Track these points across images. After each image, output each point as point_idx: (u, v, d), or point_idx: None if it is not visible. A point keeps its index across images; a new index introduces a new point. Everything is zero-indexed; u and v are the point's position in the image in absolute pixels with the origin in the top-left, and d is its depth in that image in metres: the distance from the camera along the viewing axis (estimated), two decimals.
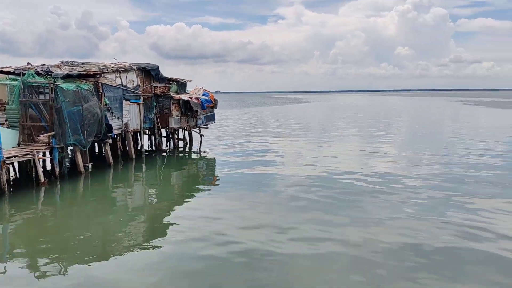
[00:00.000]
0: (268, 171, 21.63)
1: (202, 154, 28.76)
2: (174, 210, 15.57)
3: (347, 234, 12.31)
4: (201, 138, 33.30)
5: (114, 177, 21.17)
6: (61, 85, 19.29)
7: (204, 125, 32.56)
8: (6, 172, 16.62)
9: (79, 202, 17.15)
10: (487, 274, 9.75)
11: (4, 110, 19.01)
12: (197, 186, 19.74)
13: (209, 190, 18.65)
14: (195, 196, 17.64)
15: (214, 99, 33.29)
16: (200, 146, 31.58)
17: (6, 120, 19.00)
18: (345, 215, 14.16)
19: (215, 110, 34.05)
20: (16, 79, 19.74)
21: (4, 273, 10.24)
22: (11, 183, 18.61)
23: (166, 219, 14.43)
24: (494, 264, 10.27)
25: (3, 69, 22.37)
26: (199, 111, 30.13)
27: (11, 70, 21.49)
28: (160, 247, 11.69)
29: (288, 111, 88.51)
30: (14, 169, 21.15)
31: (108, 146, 22.40)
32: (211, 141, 34.35)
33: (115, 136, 24.07)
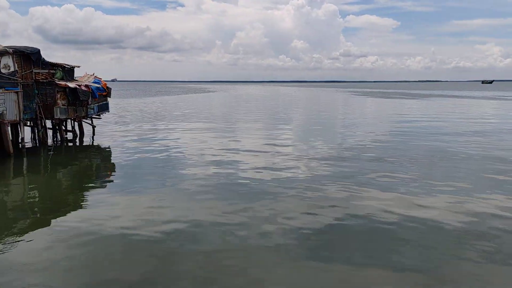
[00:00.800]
0: (168, 163, 20.87)
1: (95, 147, 26.66)
2: (62, 210, 13.90)
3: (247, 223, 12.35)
4: (93, 130, 30.84)
5: None
6: None
7: (96, 115, 30.20)
8: None
9: None
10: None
11: None
12: (89, 182, 18.03)
13: (103, 186, 17.20)
14: (87, 194, 15.92)
15: (107, 87, 31.03)
16: (93, 138, 29.26)
17: None
18: (240, 202, 14.24)
19: (108, 99, 31.75)
20: None
21: None
22: None
23: (51, 221, 12.87)
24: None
25: None
26: (90, 100, 27.83)
27: None
28: (43, 248, 10.50)
29: (190, 100, 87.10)
30: None
31: None
32: (106, 132, 32.09)
33: None
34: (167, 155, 23.00)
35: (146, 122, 40.76)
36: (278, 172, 18.79)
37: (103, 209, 13.82)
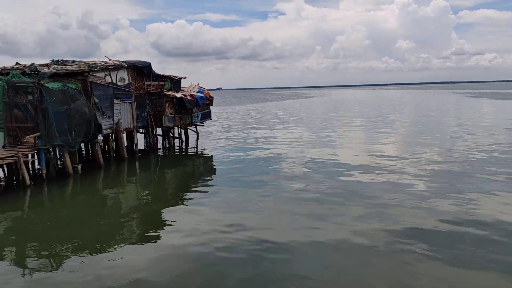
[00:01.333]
0: (269, 168, 21.05)
1: (199, 152, 28.18)
2: (170, 211, 14.95)
3: (357, 230, 11.66)
4: (197, 136, 32.66)
5: (105, 178, 20.59)
6: (46, 85, 18.67)
7: (200, 122, 31.92)
8: None
9: (68, 203, 16.61)
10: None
11: None
12: (194, 185, 19.15)
13: (207, 188, 18.10)
14: (191, 196, 17.05)
15: (210, 96, 32.63)
16: (197, 144, 30.97)
17: None
18: (353, 213, 13.55)
19: (211, 107, 33.38)
20: (1, 79, 19.11)
21: None
22: None
23: (161, 221, 13.89)
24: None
25: None
26: (194, 108, 29.48)
27: None
28: (152, 249, 11.27)
29: (291, 106, 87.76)
30: (3, 171, 20.66)
31: (98, 146, 21.78)
32: (209, 138, 33.75)
33: (108, 135, 23.49)
34: (266, 161, 23.25)
35: (246, 128, 41.93)
36: (382, 182, 17.62)
37: (205, 211, 14.49)
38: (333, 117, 52.63)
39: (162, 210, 15.15)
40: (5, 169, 20.41)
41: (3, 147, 18.35)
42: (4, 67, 20.81)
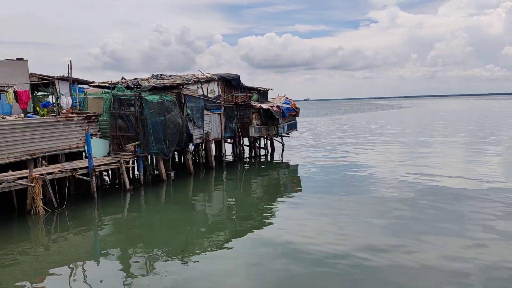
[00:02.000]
0: (357, 181, 20.53)
1: (284, 163, 28.41)
2: (255, 218, 15.41)
3: (449, 249, 10.81)
4: (283, 147, 32.95)
5: (195, 185, 21.72)
6: (146, 97, 20.37)
7: (286, 133, 32.15)
8: (96, 179, 17.92)
9: (162, 207, 17.89)
10: None
11: (97, 121, 20.60)
12: (278, 195, 19.47)
13: (291, 198, 18.26)
14: (276, 205, 17.38)
15: (296, 107, 32.73)
16: (282, 155, 31.24)
17: (98, 131, 20.58)
18: (450, 228, 12.61)
19: (297, 118, 33.46)
20: (108, 93, 21.34)
21: (96, 271, 11.02)
22: (103, 188, 20.12)
23: (246, 227, 14.30)
24: None
25: (100, 84, 24.46)
26: (280, 119, 29.83)
27: (106, 85, 23.35)
28: (239, 255, 11.70)
29: (381, 117, 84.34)
30: (108, 175, 22.97)
31: (189, 155, 23.11)
32: (294, 149, 33.84)
33: (198, 145, 24.82)
34: (353, 173, 22.70)
35: (333, 140, 41.21)
36: (491, 211, 16.04)
37: (289, 222, 14.72)
38: (429, 131, 49.27)
39: (249, 218, 15.57)
40: (110, 173, 22.74)
41: (108, 154, 20.39)
42: (111, 82, 23.19)
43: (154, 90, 22.19)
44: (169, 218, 16.27)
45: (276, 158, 30.32)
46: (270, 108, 28.84)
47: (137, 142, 19.90)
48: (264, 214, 16.06)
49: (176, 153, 26.30)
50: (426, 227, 13.22)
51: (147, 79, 25.63)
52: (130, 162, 19.68)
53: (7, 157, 16.63)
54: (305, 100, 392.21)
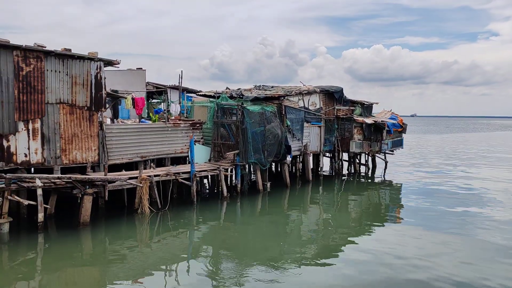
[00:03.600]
0: (467, 210, 18.29)
1: (386, 182, 26.61)
2: (351, 238, 14.56)
3: None
4: (385, 165, 30.98)
5: (291, 197, 21.36)
6: (248, 107, 20.68)
7: (390, 150, 30.18)
8: (196, 184, 18.61)
9: (257, 217, 17.87)
10: None
11: (201, 129, 21.50)
12: (377, 216, 18.16)
13: (392, 221, 16.97)
14: (374, 226, 16.23)
15: (403, 123, 30.59)
16: (384, 173, 29.35)
17: (202, 138, 21.45)
18: None
19: (403, 135, 31.25)
20: (213, 102, 22.19)
21: (188, 272, 11.38)
22: (202, 193, 20.89)
23: (341, 246, 13.64)
24: None
25: (206, 93, 25.63)
26: (384, 135, 28.09)
27: (211, 94, 24.36)
28: (331, 272, 11.33)
29: (502, 138, 75.24)
30: (208, 181, 23.84)
31: (286, 167, 22.86)
32: (398, 168, 31.61)
33: (296, 157, 24.50)
34: (463, 199, 20.33)
35: (442, 160, 37.67)
36: None
37: (388, 243, 13.76)
38: None
39: (343, 235, 14.89)
40: (209, 179, 23.56)
41: (209, 160, 21.10)
42: (216, 91, 24.12)
43: (256, 100, 22.49)
44: (264, 228, 16.16)
45: (377, 176, 28.57)
46: (374, 123, 27.34)
47: (236, 151, 20.26)
48: (361, 234, 15.09)
49: (273, 164, 26.28)
50: None
51: (249, 90, 26.17)
52: (229, 170, 20.08)
53: (122, 158, 18.12)
54: (412, 116, 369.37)
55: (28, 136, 15.28)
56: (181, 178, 17.98)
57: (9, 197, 13.52)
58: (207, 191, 22.58)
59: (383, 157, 30.87)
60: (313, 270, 11.50)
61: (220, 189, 19.59)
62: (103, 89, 17.11)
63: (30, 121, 15.30)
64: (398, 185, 25.07)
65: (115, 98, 20.26)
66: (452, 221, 16.36)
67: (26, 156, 15.25)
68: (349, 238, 14.49)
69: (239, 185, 20.46)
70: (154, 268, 11.62)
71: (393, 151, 31.40)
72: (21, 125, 15.09)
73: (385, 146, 28.91)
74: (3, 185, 13.41)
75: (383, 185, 25.71)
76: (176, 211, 17.28)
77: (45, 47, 15.35)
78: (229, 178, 21.96)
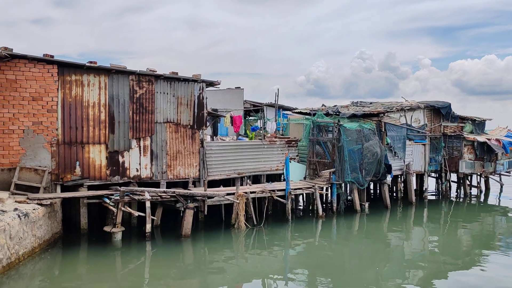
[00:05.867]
0: None
1: (502, 207, 23.68)
2: (458, 270, 13.26)
3: None
4: (501, 187, 27.63)
5: (391, 220, 20.10)
6: (345, 125, 20.13)
7: (506, 172, 26.87)
8: (291, 202, 18.51)
9: (353, 238, 17.15)
10: None
11: (297, 146, 21.44)
12: (490, 246, 16.08)
13: (506, 252, 14.85)
14: (487, 258, 14.36)
15: None
16: (499, 197, 26.17)
17: (297, 155, 21.36)
18: None
19: None
20: (308, 119, 22.06)
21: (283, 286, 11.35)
22: (297, 212, 20.71)
23: (445, 277, 12.39)
24: None
25: (302, 110, 25.63)
26: (500, 154, 25.13)
27: (307, 111, 24.26)
28: None
29: None
30: (302, 200, 23.62)
31: (386, 187, 21.59)
32: None
33: (397, 177, 23.09)
34: None
35: None
36: None
37: (498, 278, 12.08)
38: None
39: (452, 264, 13.60)
40: (304, 198, 23.31)
41: (304, 178, 20.89)
42: (312, 108, 23.96)
43: (353, 117, 21.82)
44: (361, 250, 15.41)
45: (491, 200, 25.55)
46: (487, 141, 24.65)
47: (332, 169, 19.75)
48: (470, 266, 13.57)
49: (372, 184, 25.08)
50: None
51: (346, 106, 25.52)
52: (324, 188, 19.63)
53: (220, 174, 18.83)
54: None
55: (140, 153, 16.72)
56: (276, 196, 18.04)
57: (122, 208, 14.84)
58: (301, 209, 22.33)
59: (498, 179, 27.62)
60: None
61: (315, 208, 19.22)
62: (205, 108, 18.08)
63: (142, 139, 16.75)
64: None
65: (215, 117, 21.28)
66: None
67: (137, 171, 16.69)
68: (455, 269, 13.20)
69: (335, 205, 19.86)
70: (250, 280, 11.79)
71: (510, 173, 27.91)
72: (134, 143, 16.60)
73: (501, 166, 25.83)
74: (118, 197, 14.77)
75: (498, 210, 22.92)
76: (271, 228, 17.32)
77: (155, 71, 16.78)
78: (324, 197, 21.44)
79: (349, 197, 22.20)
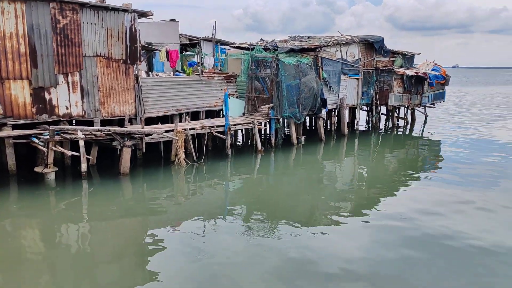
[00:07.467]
0: (504, 167, 17.61)
1: (425, 137, 25.78)
2: (385, 193, 14.41)
3: None
4: (425, 119, 29.90)
5: (325, 152, 21.17)
6: (283, 59, 20.13)
7: (431, 104, 28.97)
8: (231, 137, 18.70)
9: (290, 171, 17.94)
10: None
11: (235, 82, 21.26)
12: (414, 171, 17.72)
13: (428, 178, 16.47)
14: (410, 182, 15.87)
15: (446, 75, 29.06)
16: (424, 127, 28.40)
17: (236, 91, 21.26)
18: None
19: (445, 87, 29.78)
20: (247, 54, 21.72)
21: (223, 222, 11.65)
22: (236, 147, 21.06)
23: (375, 202, 13.45)
24: None
25: (240, 45, 25.10)
26: (425, 87, 26.86)
27: (245, 46, 23.81)
28: (365, 228, 11.28)
29: None
30: (242, 135, 23.95)
31: (321, 121, 22.46)
32: (438, 122, 30.47)
33: (331, 110, 24.00)
34: (504, 157, 19.43)
35: (486, 114, 35.89)
36: None
37: (422, 199, 13.51)
38: None
39: (378, 191, 14.69)
40: (243, 133, 23.63)
41: (243, 114, 21.02)
42: (250, 43, 23.54)
43: (291, 52, 21.82)
44: (297, 182, 16.20)
45: (416, 130, 27.67)
46: (415, 74, 26.09)
47: (270, 105, 20.02)
48: (396, 190, 14.82)
49: (307, 118, 25.92)
50: None
51: (285, 41, 25.38)
52: (263, 123, 19.97)
53: (158, 111, 18.34)
54: (454, 67, 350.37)
55: (69, 89, 15.65)
56: (216, 132, 18.09)
57: (53, 148, 14.11)
58: (240, 144, 22.73)
59: (423, 111, 29.75)
60: (343, 228, 11.36)
61: (254, 143, 19.63)
62: (138, 42, 17.06)
63: (70, 74, 15.60)
64: (437, 141, 24.25)
65: (149, 51, 20.21)
66: (484, 178, 15.78)
67: (67, 108, 15.72)
68: (383, 194, 14.27)
69: (273, 139, 20.41)
70: (190, 218, 11.99)
71: (434, 105, 30.14)
72: (61, 78, 15.43)
73: (426, 99, 27.74)
74: (48, 136, 13.97)
75: (422, 140, 24.93)
76: (211, 163, 17.55)
77: None
78: (263, 132, 21.88)
79: (286, 131, 22.87)
